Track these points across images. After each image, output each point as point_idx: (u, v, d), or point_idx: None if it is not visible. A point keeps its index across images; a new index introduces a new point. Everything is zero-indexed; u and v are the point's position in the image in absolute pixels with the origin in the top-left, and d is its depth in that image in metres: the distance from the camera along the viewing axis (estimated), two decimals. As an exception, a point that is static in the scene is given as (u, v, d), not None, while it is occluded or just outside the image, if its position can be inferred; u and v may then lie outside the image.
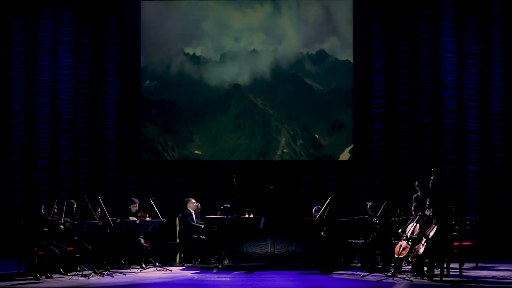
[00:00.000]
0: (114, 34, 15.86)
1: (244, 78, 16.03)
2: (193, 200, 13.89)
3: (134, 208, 13.24)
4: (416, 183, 12.92)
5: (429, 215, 11.37)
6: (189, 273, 12.15)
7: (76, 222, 11.83)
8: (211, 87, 16.02)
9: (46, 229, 11.36)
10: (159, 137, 15.98)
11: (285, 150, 15.92)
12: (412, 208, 12.05)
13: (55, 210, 11.83)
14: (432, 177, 11.84)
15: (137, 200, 13.37)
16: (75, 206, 12.39)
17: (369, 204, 12.72)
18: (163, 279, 11.38)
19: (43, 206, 11.59)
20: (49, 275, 11.27)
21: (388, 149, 15.75)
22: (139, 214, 13.10)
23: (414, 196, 12.83)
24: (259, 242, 15.49)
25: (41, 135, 15.82)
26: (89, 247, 11.97)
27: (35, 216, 11.41)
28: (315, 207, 12.95)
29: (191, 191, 15.51)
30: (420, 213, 11.41)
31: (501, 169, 15.56)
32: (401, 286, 10.37)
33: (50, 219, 11.52)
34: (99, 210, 12.40)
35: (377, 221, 11.92)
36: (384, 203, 12.00)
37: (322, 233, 12.58)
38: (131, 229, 12.35)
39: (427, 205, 11.30)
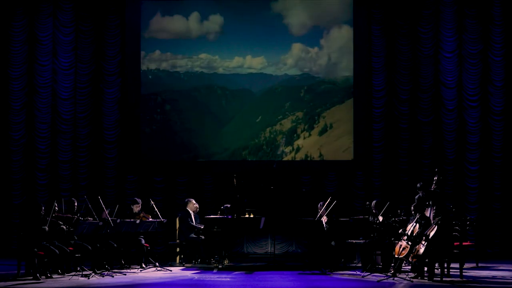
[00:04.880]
0: (114, 34, 15.85)
1: (244, 77, 15.99)
2: (194, 201, 13.88)
3: (137, 208, 13.24)
4: (418, 185, 12.90)
5: (430, 216, 11.35)
6: (189, 273, 12.14)
7: (77, 217, 11.81)
8: (210, 86, 16.02)
9: (46, 227, 11.34)
10: (159, 136, 15.99)
11: (285, 150, 15.92)
12: (412, 208, 12.03)
13: (56, 209, 11.82)
14: (435, 178, 11.83)
15: (140, 201, 13.39)
16: (76, 204, 12.40)
17: (373, 202, 12.68)
18: (163, 279, 11.38)
19: (43, 208, 11.58)
20: (49, 275, 11.26)
21: (388, 149, 15.74)
22: (141, 215, 13.09)
23: (416, 197, 12.80)
24: (259, 242, 15.48)
25: (41, 135, 15.81)
26: (89, 247, 11.96)
27: (35, 216, 11.40)
28: (320, 203, 13.00)
29: (191, 191, 15.51)
30: (418, 214, 11.43)
31: (502, 169, 15.55)
32: (401, 286, 10.36)
33: (49, 219, 11.50)
34: (106, 212, 12.24)
35: (380, 220, 11.91)
36: (387, 204, 12.00)
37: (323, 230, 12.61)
38: (131, 229, 12.34)
39: (431, 206, 11.28)
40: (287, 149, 15.93)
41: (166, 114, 16.05)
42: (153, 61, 15.96)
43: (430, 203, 11.69)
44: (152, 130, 15.98)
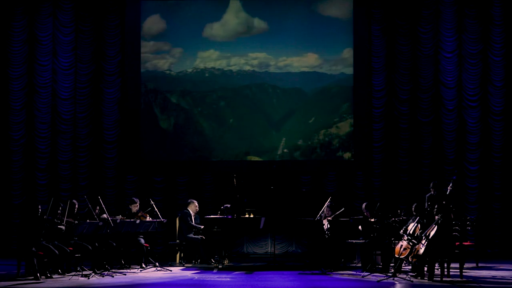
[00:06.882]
0: (114, 34, 15.86)
1: (296, 76, 15.92)
2: (196, 203, 13.88)
3: (135, 208, 13.24)
4: (431, 184, 12.86)
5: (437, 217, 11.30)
6: (189, 273, 12.15)
7: (76, 222, 11.84)
8: (262, 84, 16.05)
9: (63, 227, 11.37)
10: (159, 135, 16.00)
11: (285, 150, 15.92)
12: (413, 208, 12.02)
13: (59, 211, 11.82)
14: (453, 180, 11.83)
15: (138, 200, 13.38)
16: (76, 206, 12.39)
17: (364, 204, 12.72)
18: (163, 279, 11.38)
19: (40, 206, 11.57)
20: (49, 275, 11.26)
21: (388, 149, 15.74)
22: (139, 214, 13.10)
23: (428, 195, 12.76)
24: (259, 242, 15.48)
25: (41, 135, 15.82)
26: (89, 247, 11.95)
27: (33, 216, 11.39)
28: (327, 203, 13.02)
29: (191, 191, 15.52)
30: (419, 213, 11.42)
31: (501, 169, 15.55)
32: (401, 286, 10.37)
33: (46, 217, 11.49)
34: (98, 208, 12.35)
35: (374, 221, 11.92)
36: (377, 205, 12.02)
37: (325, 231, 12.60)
38: (131, 229, 12.35)
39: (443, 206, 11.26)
40: (346, 155, 15.79)
41: (220, 111, 16.04)
42: (211, 60, 15.95)
43: (444, 203, 11.59)
44: (208, 124, 15.99)
